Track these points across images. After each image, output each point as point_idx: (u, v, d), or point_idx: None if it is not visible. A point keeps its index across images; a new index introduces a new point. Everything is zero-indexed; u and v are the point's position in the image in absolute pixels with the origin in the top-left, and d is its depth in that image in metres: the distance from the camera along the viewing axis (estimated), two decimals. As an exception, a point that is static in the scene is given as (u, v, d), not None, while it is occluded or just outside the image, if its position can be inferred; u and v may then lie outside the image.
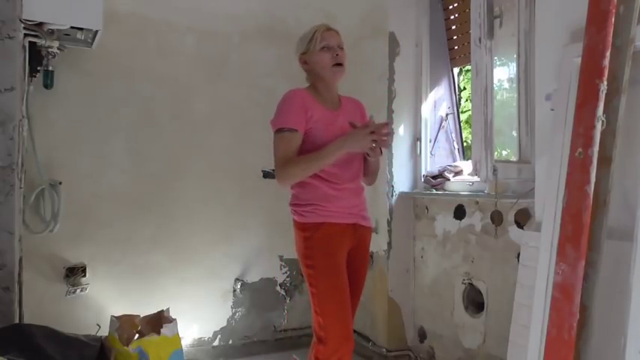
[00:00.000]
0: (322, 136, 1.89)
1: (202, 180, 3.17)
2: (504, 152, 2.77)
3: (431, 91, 3.14)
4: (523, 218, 2.28)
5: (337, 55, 1.95)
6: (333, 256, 1.89)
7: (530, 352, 1.67)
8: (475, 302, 2.65)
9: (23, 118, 2.35)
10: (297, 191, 1.99)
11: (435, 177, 2.96)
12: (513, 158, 2.49)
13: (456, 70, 3.24)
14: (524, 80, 2.39)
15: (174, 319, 2.46)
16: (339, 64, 1.96)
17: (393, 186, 3.08)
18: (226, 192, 3.23)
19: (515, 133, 2.44)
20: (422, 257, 3.01)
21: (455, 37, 3.12)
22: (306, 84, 2.06)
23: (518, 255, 2.05)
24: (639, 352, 1.41)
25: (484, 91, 2.44)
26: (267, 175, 3.33)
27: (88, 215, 2.86)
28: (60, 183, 2.74)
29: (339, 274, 1.89)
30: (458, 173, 2.90)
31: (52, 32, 2.43)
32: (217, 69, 3.23)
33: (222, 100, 3.24)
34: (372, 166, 2.08)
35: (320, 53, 1.95)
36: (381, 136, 1.81)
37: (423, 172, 3.09)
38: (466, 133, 3.25)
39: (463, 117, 3.45)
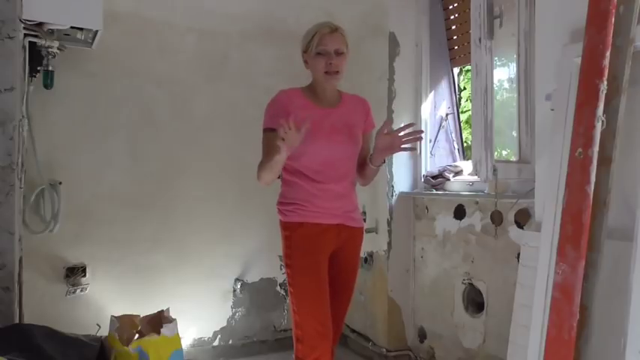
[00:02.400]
0: (310, 135, 1.81)
1: (202, 180, 3.17)
2: (504, 152, 2.77)
3: (431, 91, 3.14)
4: (523, 218, 2.28)
5: (331, 63, 1.89)
6: (312, 255, 1.90)
7: (530, 352, 1.67)
8: (475, 302, 2.65)
9: (23, 118, 2.35)
10: (283, 190, 2.01)
11: (435, 177, 2.96)
12: (513, 158, 2.49)
13: (456, 70, 3.24)
14: (524, 80, 2.39)
15: (174, 319, 2.46)
16: (332, 72, 1.91)
17: (393, 186, 3.08)
18: (226, 192, 3.23)
19: (515, 133, 2.44)
20: (422, 257, 3.01)
21: (455, 37, 3.12)
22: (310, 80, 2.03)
23: (518, 255, 2.05)
24: (639, 352, 1.41)
25: (484, 91, 2.44)
26: (267, 175, 3.32)
27: (88, 215, 2.86)
28: (60, 183, 2.74)
29: (317, 274, 1.89)
30: (458, 173, 2.90)
31: (52, 32, 2.43)
32: (217, 69, 3.23)
33: (222, 100, 3.24)
34: (371, 171, 2.05)
35: (315, 58, 1.91)
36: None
37: (423, 172, 3.09)
38: (466, 133, 3.25)
39: (463, 117, 3.45)
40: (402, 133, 1.91)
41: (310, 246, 1.91)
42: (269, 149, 1.85)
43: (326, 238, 1.94)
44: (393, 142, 1.92)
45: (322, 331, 1.86)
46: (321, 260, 1.92)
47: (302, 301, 1.88)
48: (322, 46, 1.89)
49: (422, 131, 2.01)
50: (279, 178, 2.02)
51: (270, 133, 1.88)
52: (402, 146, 1.92)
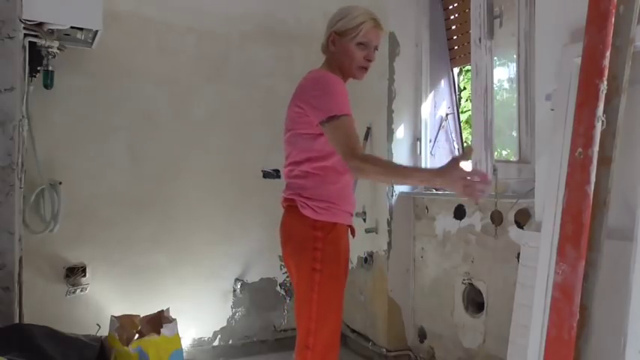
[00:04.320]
0: None
1: (202, 180, 3.17)
2: (504, 152, 2.77)
3: (431, 91, 3.14)
4: (523, 218, 2.28)
5: (370, 59, 1.81)
6: (342, 261, 1.78)
7: (530, 352, 1.67)
8: (475, 302, 2.65)
9: (23, 118, 2.35)
10: (309, 183, 1.77)
11: (435, 177, 2.95)
12: (513, 158, 2.49)
13: (456, 70, 3.24)
14: (524, 80, 2.39)
15: (174, 319, 2.47)
16: (366, 68, 1.83)
17: (393, 186, 3.08)
18: (226, 192, 3.23)
19: (515, 133, 2.44)
20: (422, 257, 3.01)
21: (455, 37, 3.11)
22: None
23: (518, 255, 2.05)
24: (639, 352, 1.41)
25: (484, 91, 2.44)
26: (267, 175, 3.33)
27: (88, 215, 2.86)
28: (60, 183, 2.74)
29: (343, 283, 1.79)
30: (458, 173, 2.89)
31: (52, 32, 2.43)
32: (217, 69, 3.23)
33: (222, 100, 3.24)
34: None
35: (356, 47, 1.78)
36: (473, 186, 1.43)
37: (423, 172, 3.09)
38: (466, 133, 3.25)
39: (463, 117, 3.45)
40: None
41: (341, 250, 1.79)
42: (354, 132, 1.65)
43: (347, 240, 1.85)
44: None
45: (336, 341, 1.78)
46: (347, 267, 1.82)
47: (324, 309, 1.72)
48: (367, 38, 1.78)
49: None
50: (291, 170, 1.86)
51: (345, 118, 1.65)
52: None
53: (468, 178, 1.44)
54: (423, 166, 3.09)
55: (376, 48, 1.84)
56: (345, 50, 1.79)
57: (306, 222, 1.74)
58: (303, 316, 1.74)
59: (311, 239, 1.73)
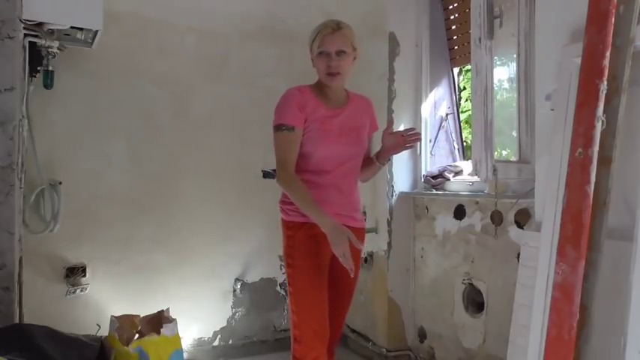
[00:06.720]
0: (318, 136, 1.89)
1: (202, 180, 3.17)
2: (504, 152, 2.78)
3: (431, 91, 3.14)
4: (523, 218, 2.28)
5: (330, 65, 1.89)
6: (313, 256, 1.90)
7: (530, 352, 1.67)
8: (475, 302, 2.65)
9: (23, 118, 2.35)
10: None
11: (435, 177, 2.96)
12: (513, 158, 2.49)
13: (456, 70, 3.24)
14: (524, 80, 2.39)
15: (174, 319, 2.47)
16: (333, 73, 1.90)
17: (393, 186, 3.08)
18: (226, 192, 3.23)
19: (515, 133, 2.45)
20: (422, 257, 3.01)
21: (455, 37, 3.12)
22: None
23: (518, 255, 2.05)
24: (639, 352, 1.41)
25: (484, 91, 2.44)
26: (267, 175, 3.33)
27: (88, 215, 2.86)
28: (60, 183, 2.74)
29: (318, 275, 1.89)
30: (458, 173, 2.90)
31: (52, 32, 2.43)
32: (217, 69, 3.23)
33: (222, 100, 3.24)
34: (376, 169, 2.14)
35: (317, 58, 1.93)
36: (346, 257, 1.71)
37: (423, 172, 3.09)
38: (466, 133, 3.25)
39: (463, 117, 3.45)
40: (405, 134, 2.06)
41: (312, 247, 1.90)
42: (290, 148, 1.88)
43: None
44: (397, 142, 2.05)
45: (320, 332, 1.86)
46: (322, 262, 1.91)
47: (301, 301, 1.88)
48: (323, 47, 1.89)
49: (419, 132, 2.12)
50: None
51: (286, 131, 1.88)
52: (406, 145, 2.07)
53: (345, 253, 1.71)
54: (423, 166, 3.11)
55: (339, 52, 1.91)
56: (315, 63, 1.97)
57: (284, 224, 1.98)
58: (290, 311, 1.92)
59: (286, 238, 1.96)
